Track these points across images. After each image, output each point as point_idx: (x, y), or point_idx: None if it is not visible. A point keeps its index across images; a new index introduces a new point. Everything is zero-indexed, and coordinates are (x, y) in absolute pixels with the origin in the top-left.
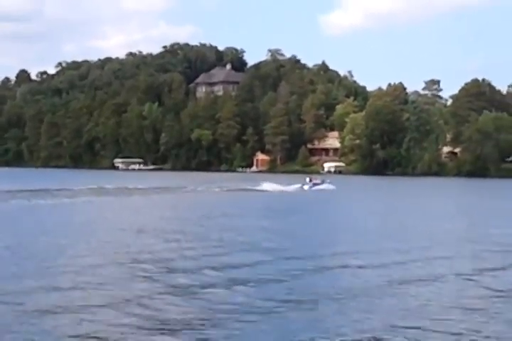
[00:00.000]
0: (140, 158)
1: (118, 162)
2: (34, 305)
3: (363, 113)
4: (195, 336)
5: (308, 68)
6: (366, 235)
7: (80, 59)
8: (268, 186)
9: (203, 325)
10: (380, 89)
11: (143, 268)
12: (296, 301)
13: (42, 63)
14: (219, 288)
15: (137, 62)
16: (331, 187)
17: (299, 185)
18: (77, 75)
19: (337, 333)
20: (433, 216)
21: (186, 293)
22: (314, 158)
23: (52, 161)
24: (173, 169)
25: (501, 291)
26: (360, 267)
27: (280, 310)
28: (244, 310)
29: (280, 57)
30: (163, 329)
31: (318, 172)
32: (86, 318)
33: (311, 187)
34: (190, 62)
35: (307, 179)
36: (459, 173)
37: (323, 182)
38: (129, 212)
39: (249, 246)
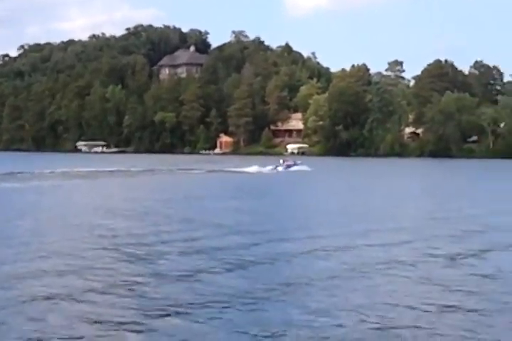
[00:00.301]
0: (103, 140)
1: (81, 145)
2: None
3: (326, 94)
4: (172, 320)
5: (271, 50)
6: (336, 217)
7: (42, 41)
8: (249, 168)
9: (184, 308)
10: (343, 70)
11: (120, 252)
12: (266, 285)
13: (4, 46)
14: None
15: (100, 44)
16: (305, 168)
17: (272, 167)
18: (40, 58)
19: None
20: (401, 197)
21: (158, 276)
22: (278, 140)
23: (14, 144)
24: (137, 152)
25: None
26: (332, 250)
27: (253, 293)
28: (224, 292)
29: (244, 39)
30: (144, 313)
31: (281, 154)
32: (62, 303)
33: (285, 168)
34: (153, 44)
35: (280, 161)
36: (422, 154)
37: (295, 163)
38: (108, 195)
39: (221, 228)
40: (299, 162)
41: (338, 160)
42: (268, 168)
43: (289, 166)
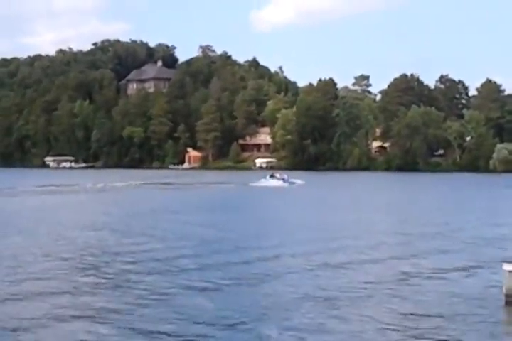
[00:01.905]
0: (71, 155)
1: (49, 160)
2: None
3: (294, 109)
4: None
5: (239, 64)
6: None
7: (9, 56)
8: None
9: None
10: (310, 84)
11: (89, 263)
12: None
13: None
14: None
15: (67, 59)
16: (300, 182)
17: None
18: (7, 73)
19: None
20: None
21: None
22: (246, 154)
23: None
24: (105, 166)
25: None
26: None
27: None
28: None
29: (211, 54)
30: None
31: (250, 168)
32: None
33: (286, 182)
34: (120, 58)
35: (267, 176)
36: (389, 168)
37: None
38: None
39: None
40: (285, 175)
41: (312, 175)
42: (262, 181)
43: (284, 179)
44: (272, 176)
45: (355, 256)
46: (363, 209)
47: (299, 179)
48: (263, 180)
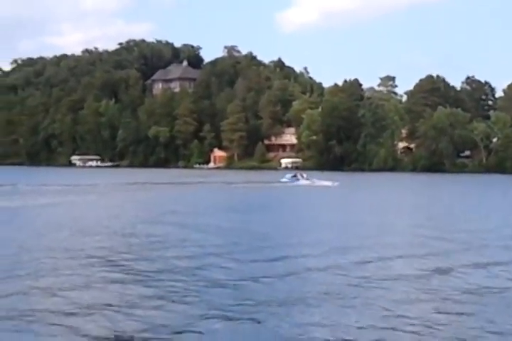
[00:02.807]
0: (97, 154)
1: (75, 159)
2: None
3: (319, 109)
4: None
5: (264, 65)
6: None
7: (35, 56)
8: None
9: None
10: (335, 85)
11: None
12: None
13: None
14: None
15: (93, 58)
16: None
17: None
18: (33, 72)
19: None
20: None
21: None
22: (271, 154)
23: (8, 159)
24: (131, 166)
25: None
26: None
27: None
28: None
29: (236, 54)
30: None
31: (275, 168)
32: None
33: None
34: (146, 58)
35: (290, 175)
36: (415, 169)
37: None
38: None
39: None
40: (305, 175)
41: (339, 175)
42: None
43: (307, 179)
44: (294, 176)
45: (388, 254)
46: (394, 210)
47: (330, 180)
48: (285, 179)
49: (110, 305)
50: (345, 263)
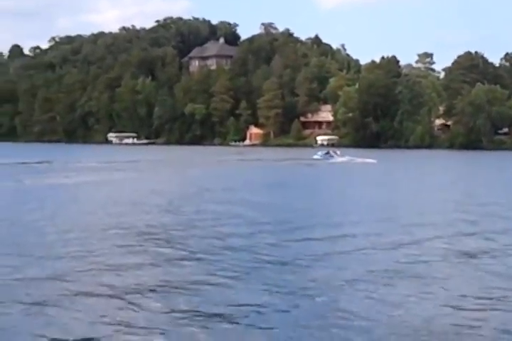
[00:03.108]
0: (133, 132)
1: (112, 136)
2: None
3: (356, 86)
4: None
5: (301, 42)
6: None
7: (73, 34)
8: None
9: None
10: (372, 62)
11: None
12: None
13: (35, 38)
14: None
15: (130, 36)
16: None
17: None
18: (70, 50)
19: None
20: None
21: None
22: (307, 131)
23: (46, 136)
24: (167, 143)
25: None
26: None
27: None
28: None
29: (273, 31)
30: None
31: (311, 146)
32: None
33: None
34: (183, 36)
35: (323, 152)
36: (452, 146)
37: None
38: None
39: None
40: (338, 152)
41: (376, 152)
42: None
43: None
44: (327, 153)
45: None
46: (435, 187)
47: (367, 157)
48: (317, 156)
49: (167, 283)
50: (394, 242)
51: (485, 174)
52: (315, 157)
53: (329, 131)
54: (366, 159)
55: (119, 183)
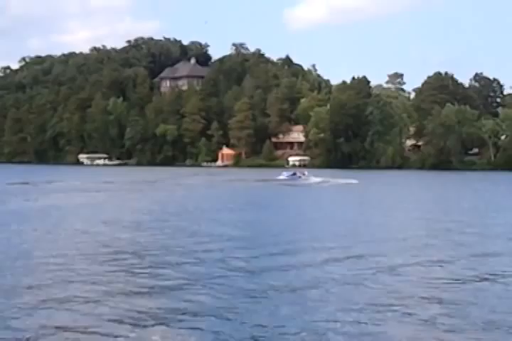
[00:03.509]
0: (105, 153)
1: (83, 157)
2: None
3: (327, 107)
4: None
5: (272, 62)
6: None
7: (43, 54)
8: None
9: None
10: (343, 82)
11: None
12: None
13: (5, 58)
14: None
15: (101, 57)
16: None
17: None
18: (41, 70)
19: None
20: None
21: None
22: (279, 152)
23: (16, 157)
24: (138, 164)
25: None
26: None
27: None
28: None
29: (244, 51)
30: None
31: (283, 166)
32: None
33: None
34: (154, 56)
35: (288, 172)
36: (423, 166)
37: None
38: None
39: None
40: (306, 173)
41: (346, 173)
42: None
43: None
44: (293, 174)
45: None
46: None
47: (344, 177)
48: (282, 177)
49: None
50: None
51: (464, 194)
52: (280, 177)
53: (301, 152)
54: (347, 179)
55: (100, 204)
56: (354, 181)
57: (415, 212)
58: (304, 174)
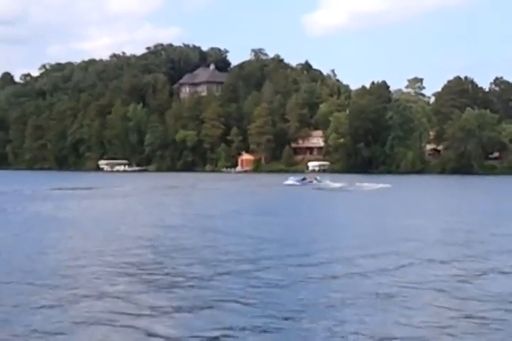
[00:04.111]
0: (125, 159)
1: (103, 164)
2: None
3: (347, 112)
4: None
5: (291, 67)
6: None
7: (63, 61)
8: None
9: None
10: (363, 87)
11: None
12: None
13: (26, 66)
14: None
15: (121, 63)
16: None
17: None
18: (61, 77)
19: None
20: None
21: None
22: (299, 157)
23: (37, 163)
24: (158, 170)
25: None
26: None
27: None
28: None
29: (263, 57)
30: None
31: (302, 172)
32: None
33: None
34: (173, 62)
35: (296, 177)
36: (443, 171)
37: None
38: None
39: None
40: (318, 178)
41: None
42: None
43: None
44: (304, 179)
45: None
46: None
47: (383, 183)
48: (291, 181)
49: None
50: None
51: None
52: (288, 182)
53: (320, 157)
54: (379, 184)
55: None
56: (386, 185)
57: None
58: (315, 179)
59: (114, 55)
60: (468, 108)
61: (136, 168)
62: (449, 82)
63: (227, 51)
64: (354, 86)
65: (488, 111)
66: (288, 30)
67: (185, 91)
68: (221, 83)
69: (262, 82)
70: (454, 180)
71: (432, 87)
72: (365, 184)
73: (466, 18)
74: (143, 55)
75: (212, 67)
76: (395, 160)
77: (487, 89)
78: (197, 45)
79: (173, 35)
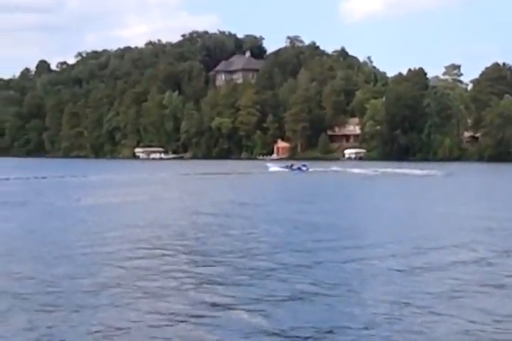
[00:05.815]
0: (160, 147)
1: (139, 151)
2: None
3: (383, 99)
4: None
5: (327, 54)
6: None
7: (99, 49)
8: None
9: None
10: (399, 74)
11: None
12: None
13: (62, 53)
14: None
15: (156, 51)
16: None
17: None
18: (97, 65)
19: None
20: None
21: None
22: (335, 145)
23: (73, 151)
24: (194, 157)
25: None
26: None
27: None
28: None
29: (299, 44)
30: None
31: (338, 159)
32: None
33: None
34: (209, 50)
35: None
36: (481, 158)
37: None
38: None
39: None
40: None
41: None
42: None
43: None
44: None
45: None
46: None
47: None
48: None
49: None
50: None
51: None
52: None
53: (357, 144)
54: (430, 170)
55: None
56: (436, 172)
57: None
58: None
59: (150, 43)
60: (506, 95)
61: (172, 156)
62: (486, 68)
63: (262, 38)
64: (391, 73)
65: None
66: (324, 17)
67: (221, 78)
68: (257, 70)
69: (297, 69)
70: (495, 167)
71: (469, 74)
72: (415, 170)
73: (505, 4)
74: (178, 43)
75: (247, 54)
76: (432, 147)
77: None
78: (232, 32)
79: (209, 23)
